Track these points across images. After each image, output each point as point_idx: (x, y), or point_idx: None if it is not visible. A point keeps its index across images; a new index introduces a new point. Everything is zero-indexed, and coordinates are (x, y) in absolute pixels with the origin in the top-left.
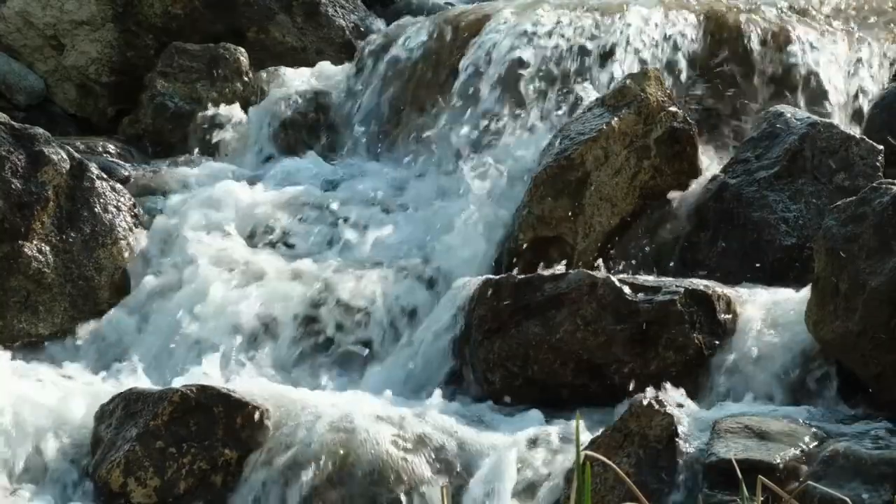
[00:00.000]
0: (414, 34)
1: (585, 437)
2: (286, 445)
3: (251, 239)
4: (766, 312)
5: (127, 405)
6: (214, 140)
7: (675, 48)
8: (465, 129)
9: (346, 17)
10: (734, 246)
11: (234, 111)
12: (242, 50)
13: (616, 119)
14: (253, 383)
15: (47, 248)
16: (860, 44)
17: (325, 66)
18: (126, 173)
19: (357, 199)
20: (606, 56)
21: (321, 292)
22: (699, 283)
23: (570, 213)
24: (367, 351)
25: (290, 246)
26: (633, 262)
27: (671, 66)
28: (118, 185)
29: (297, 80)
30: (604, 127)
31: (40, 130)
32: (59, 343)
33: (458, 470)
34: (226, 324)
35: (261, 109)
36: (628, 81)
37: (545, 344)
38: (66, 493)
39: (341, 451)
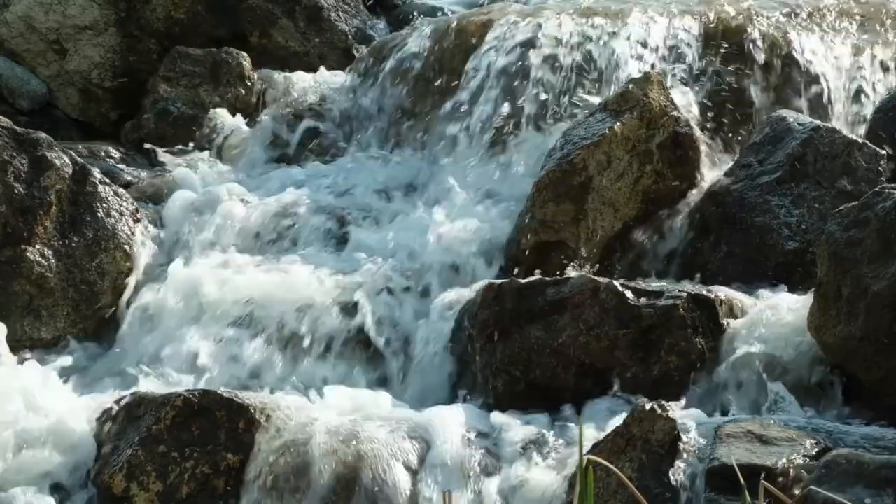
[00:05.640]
0: (416, 39)
1: (588, 441)
2: (288, 450)
3: (254, 244)
4: (769, 317)
5: (129, 409)
6: (217, 144)
7: (678, 52)
8: (468, 134)
9: (349, 22)
10: (736, 250)
11: (236, 116)
12: (245, 54)
13: (619, 123)
14: (256, 388)
15: (50, 252)
16: (862, 48)
17: (327, 70)
18: (128, 178)
19: (360, 203)
20: (609, 60)
21: (323, 297)
22: (702, 288)
23: (572, 218)
24: (369, 355)
25: (292, 250)
26: (636, 266)
27: (673, 70)
28: (121, 190)
29: (299, 85)
30: (606, 131)
31: (43, 135)
32: (60, 347)
33: (460, 475)
34: (228, 328)
35: (263, 114)
36: (631, 86)
37: (547, 348)
38: (67, 498)
39: (343, 457)
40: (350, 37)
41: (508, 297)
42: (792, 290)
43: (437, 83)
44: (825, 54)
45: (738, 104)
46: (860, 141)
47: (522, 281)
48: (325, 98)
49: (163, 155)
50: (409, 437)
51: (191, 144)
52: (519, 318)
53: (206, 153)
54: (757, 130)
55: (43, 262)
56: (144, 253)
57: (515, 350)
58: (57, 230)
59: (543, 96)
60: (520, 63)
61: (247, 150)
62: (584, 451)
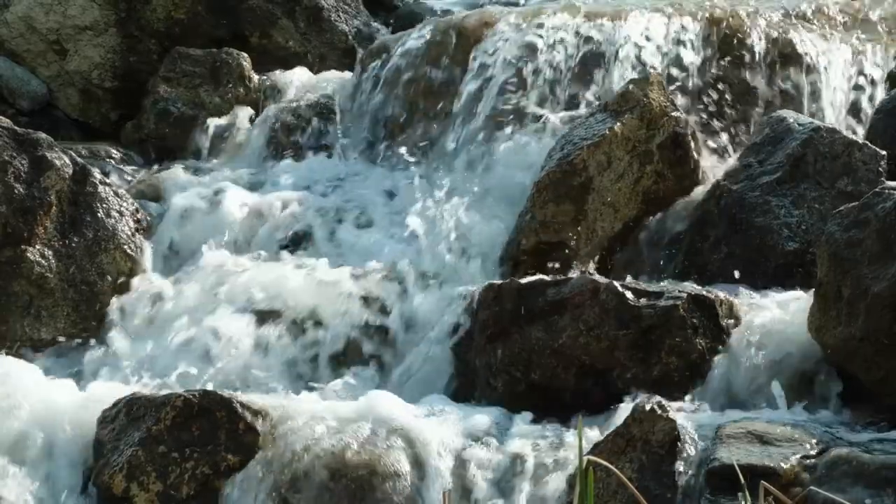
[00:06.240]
0: (416, 39)
1: (588, 441)
2: (288, 451)
3: (253, 244)
4: (769, 317)
5: (129, 410)
6: (217, 145)
7: (678, 53)
8: (467, 134)
9: (349, 23)
10: (737, 251)
11: (236, 116)
12: (245, 55)
13: (619, 124)
14: (255, 388)
15: (50, 252)
16: (862, 49)
17: (327, 71)
18: (129, 178)
19: (359, 204)
20: (609, 61)
21: (323, 297)
22: (702, 289)
23: (572, 218)
24: (369, 357)
25: (291, 250)
26: (636, 266)
27: (673, 71)
28: (121, 190)
29: (299, 85)
30: (606, 132)
31: (43, 135)
32: (61, 348)
33: (460, 476)
34: (228, 328)
35: (263, 114)
36: (631, 86)
37: (548, 349)
38: (68, 499)
39: (343, 457)
40: (350, 37)
41: (508, 297)
42: (792, 290)
43: (436, 84)
44: (827, 54)
45: (738, 104)
46: (860, 141)
47: (522, 281)
48: (325, 99)
49: (163, 155)
50: (410, 438)
51: (191, 144)
52: (519, 319)
53: (205, 153)
54: (757, 131)
55: (43, 262)
56: (144, 253)
57: (515, 350)
58: (57, 230)
59: (545, 98)
60: (520, 65)
61: (246, 149)
62: (584, 452)
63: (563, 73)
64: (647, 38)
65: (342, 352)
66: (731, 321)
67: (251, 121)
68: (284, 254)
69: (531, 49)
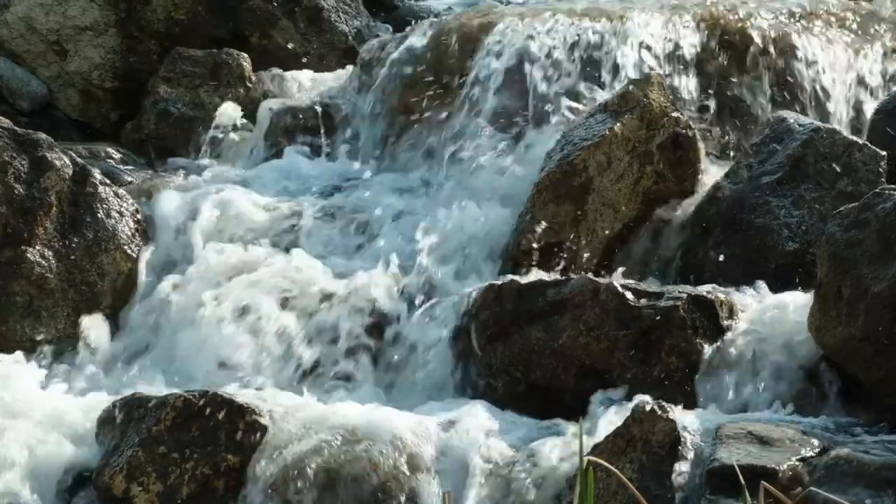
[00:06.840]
0: (416, 40)
1: (588, 442)
2: (289, 452)
3: (253, 244)
4: (769, 318)
5: (129, 411)
6: (217, 145)
7: (678, 54)
8: (467, 135)
9: (349, 23)
10: (737, 251)
11: (237, 116)
12: (245, 55)
13: (619, 124)
14: (256, 389)
15: (50, 253)
16: (863, 49)
17: (327, 71)
18: (129, 179)
19: (360, 205)
20: (609, 61)
21: (323, 298)
22: (702, 289)
23: (572, 219)
24: (368, 358)
25: (291, 251)
26: (636, 267)
27: (673, 72)
28: (121, 191)
29: (298, 86)
30: (606, 132)
31: (43, 136)
32: (61, 348)
33: (461, 477)
34: (228, 329)
35: (264, 115)
36: (631, 87)
37: (548, 349)
38: (68, 499)
39: (343, 458)
40: (350, 38)
41: (508, 297)
42: (792, 291)
43: (436, 85)
44: (827, 55)
45: (738, 105)
46: (860, 142)
47: (522, 281)
48: (324, 100)
49: (163, 155)
50: (409, 439)
51: (191, 145)
52: (519, 319)
53: (206, 153)
54: (757, 131)
55: (43, 262)
56: (145, 254)
57: (516, 351)
58: (57, 231)
59: (545, 98)
60: (521, 65)
61: (246, 150)
62: (584, 452)
63: (562, 75)
64: (648, 38)
65: (344, 353)
66: (731, 321)
67: (250, 121)
68: (286, 254)
69: (532, 50)
